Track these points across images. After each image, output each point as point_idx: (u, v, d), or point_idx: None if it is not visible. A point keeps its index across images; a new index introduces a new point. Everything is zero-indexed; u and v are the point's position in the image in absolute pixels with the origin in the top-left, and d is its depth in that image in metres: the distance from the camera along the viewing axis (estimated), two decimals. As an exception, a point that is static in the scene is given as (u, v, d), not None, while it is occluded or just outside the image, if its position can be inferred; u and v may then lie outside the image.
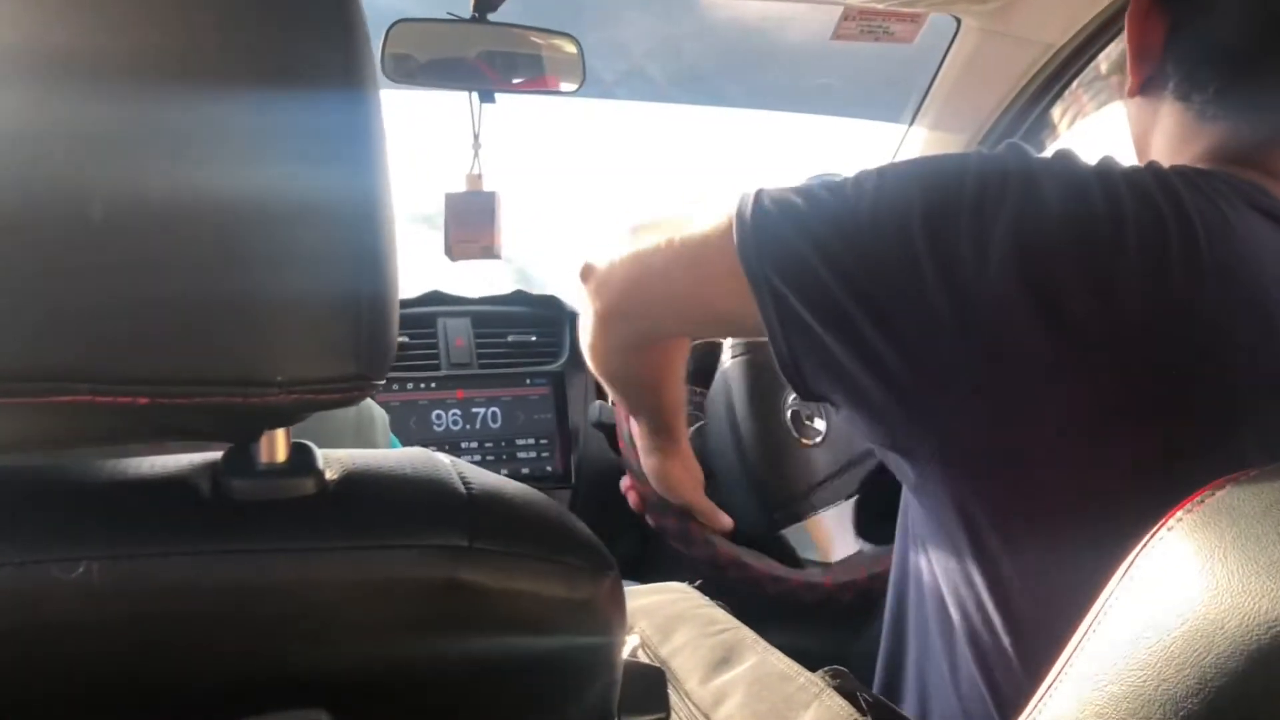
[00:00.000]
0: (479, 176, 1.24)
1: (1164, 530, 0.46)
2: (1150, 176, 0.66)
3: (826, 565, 1.24)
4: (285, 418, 0.45)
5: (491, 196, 1.23)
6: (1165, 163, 0.70)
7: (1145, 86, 0.75)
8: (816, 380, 0.68)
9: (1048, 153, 0.68)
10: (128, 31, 0.38)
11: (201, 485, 0.46)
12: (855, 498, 1.30)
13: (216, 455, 0.48)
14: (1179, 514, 0.46)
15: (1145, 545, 0.46)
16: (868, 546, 1.27)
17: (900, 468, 0.71)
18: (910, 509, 0.78)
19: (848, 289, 0.64)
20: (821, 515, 1.29)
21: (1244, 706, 0.40)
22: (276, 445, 0.46)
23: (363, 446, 0.85)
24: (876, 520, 1.30)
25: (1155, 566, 0.45)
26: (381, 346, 0.44)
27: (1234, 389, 0.63)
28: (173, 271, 0.39)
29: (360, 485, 0.48)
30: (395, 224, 0.45)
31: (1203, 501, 0.46)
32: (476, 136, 1.25)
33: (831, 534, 1.29)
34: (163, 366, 0.40)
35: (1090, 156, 0.69)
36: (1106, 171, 0.66)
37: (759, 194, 0.68)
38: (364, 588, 0.45)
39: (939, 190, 0.64)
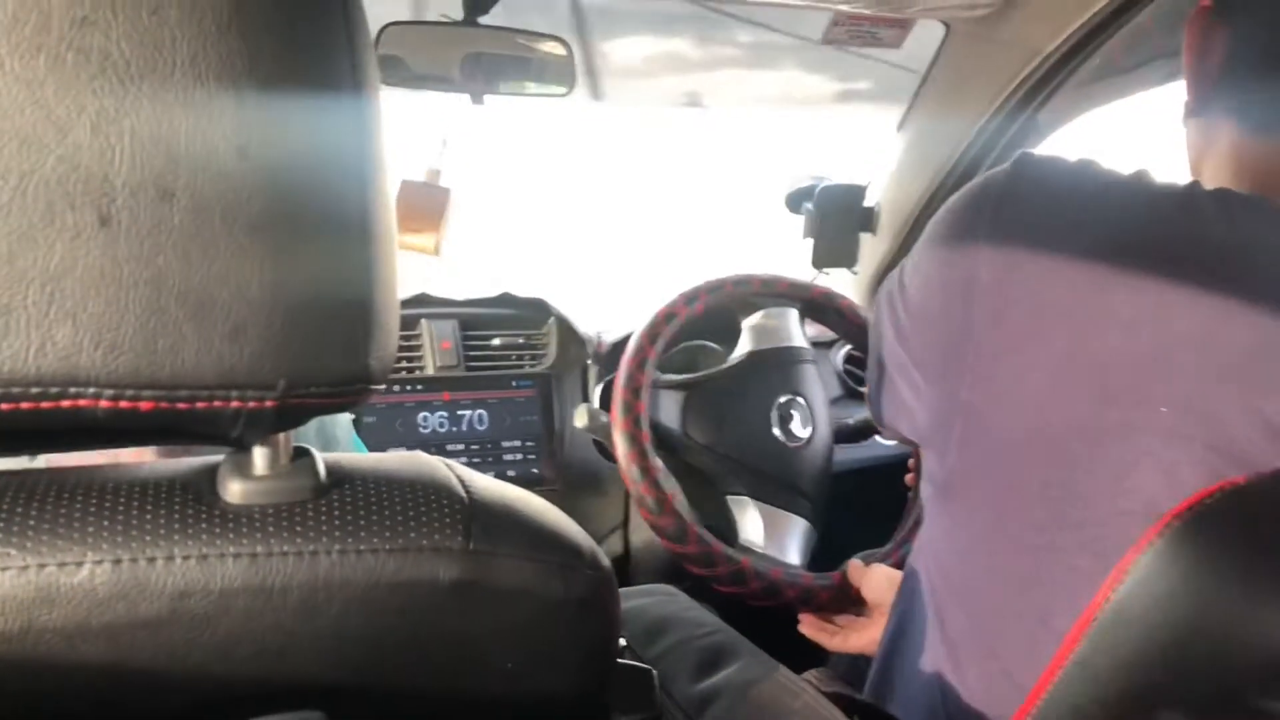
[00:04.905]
0: (438, 172, 1.24)
1: (1157, 538, 0.46)
2: (1180, 191, 0.66)
3: (756, 554, 1.24)
4: (286, 421, 0.45)
5: (445, 193, 1.22)
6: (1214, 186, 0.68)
7: (1201, 107, 0.73)
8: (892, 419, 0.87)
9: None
10: (133, 30, 0.38)
11: (203, 490, 0.46)
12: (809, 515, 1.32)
13: (217, 459, 0.47)
14: (1172, 521, 0.46)
15: (1139, 549, 0.46)
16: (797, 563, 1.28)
17: (929, 461, 0.80)
18: (929, 511, 0.80)
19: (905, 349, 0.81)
20: (780, 512, 1.29)
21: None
22: (278, 449, 0.46)
23: (324, 441, 0.86)
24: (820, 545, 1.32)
25: (1147, 572, 0.46)
26: (382, 349, 0.44)
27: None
28: (177, 276, 0.39)
29: (361, 489, 0.48)
30: (393, 226, 0.46)
31: (1195, 510, 0.46)
32: (446, 135, 1.26)
33: (782, 533, 1.29)
34: (168, 371, 0.40)
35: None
36: (1128, 182, 0.67)
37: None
38: (366, 590, 0.45)
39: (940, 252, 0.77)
